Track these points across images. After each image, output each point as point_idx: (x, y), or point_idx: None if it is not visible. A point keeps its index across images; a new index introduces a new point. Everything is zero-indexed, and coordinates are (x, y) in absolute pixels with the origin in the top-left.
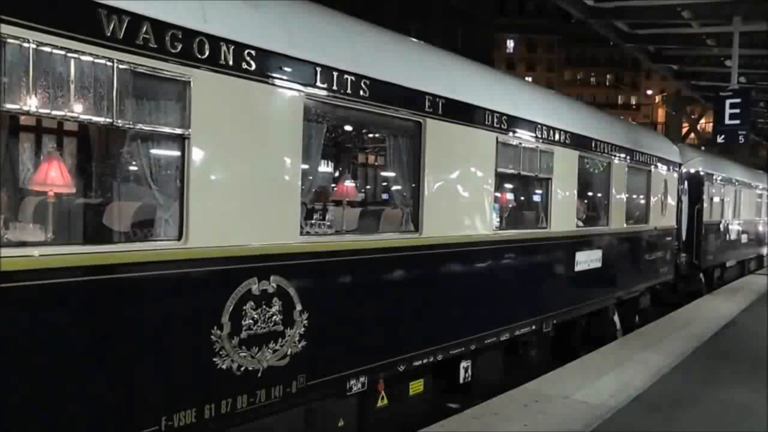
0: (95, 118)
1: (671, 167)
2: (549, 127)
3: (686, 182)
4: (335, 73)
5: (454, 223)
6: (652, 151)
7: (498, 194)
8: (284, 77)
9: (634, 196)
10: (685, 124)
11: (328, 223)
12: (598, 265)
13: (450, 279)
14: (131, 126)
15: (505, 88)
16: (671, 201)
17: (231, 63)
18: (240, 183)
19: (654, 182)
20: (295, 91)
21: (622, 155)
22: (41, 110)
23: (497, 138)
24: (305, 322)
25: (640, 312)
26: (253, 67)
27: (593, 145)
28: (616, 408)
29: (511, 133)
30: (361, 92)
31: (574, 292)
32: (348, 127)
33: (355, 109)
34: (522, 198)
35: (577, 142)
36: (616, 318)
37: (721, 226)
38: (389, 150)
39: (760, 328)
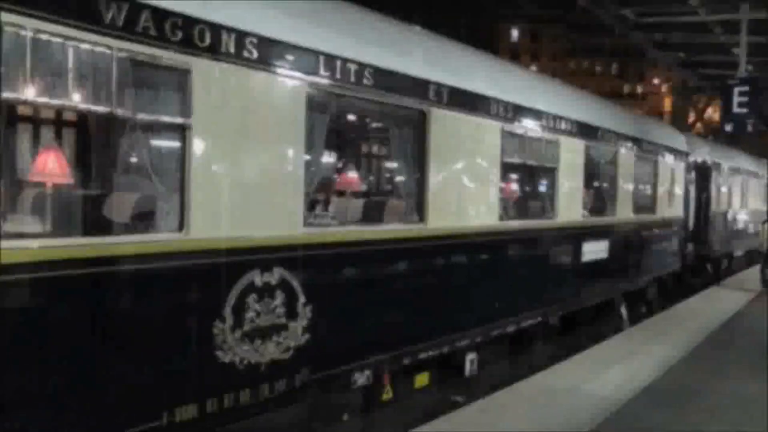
0: (94, 108)
1: (678, 157)
2: (554, 117)
3: (693, 172)
4: (338, 62)
5: (460, 213)
6: (659, 141)
7: (503, 184)
8: (286, 66)
9: (642, 186)
10: (692, 115)
11: (332, 214)
12: (605, 255)
13: (454, 270)
14: (131, 116)
15: (510, 77)
16: (678, 191)
17: (232, 51)
18: (242, 174)
19: (661, 172)
20: (298, 80)
21: (629, 145)
22: (39, 99)
23: (502, 127)
24: (309, 314)
25: (648, 303)
26: (255, 55)
27: (599, 134)
28: (624, 400)
29: (516, 123)
30: (365, 81)
31: (581, 283)
32: (352, 117)
33: (358, 98)
34: (528, 188)
35: (584, 131)
36: (623, 309)
37: (729, 216)
38: (393, 140)
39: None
